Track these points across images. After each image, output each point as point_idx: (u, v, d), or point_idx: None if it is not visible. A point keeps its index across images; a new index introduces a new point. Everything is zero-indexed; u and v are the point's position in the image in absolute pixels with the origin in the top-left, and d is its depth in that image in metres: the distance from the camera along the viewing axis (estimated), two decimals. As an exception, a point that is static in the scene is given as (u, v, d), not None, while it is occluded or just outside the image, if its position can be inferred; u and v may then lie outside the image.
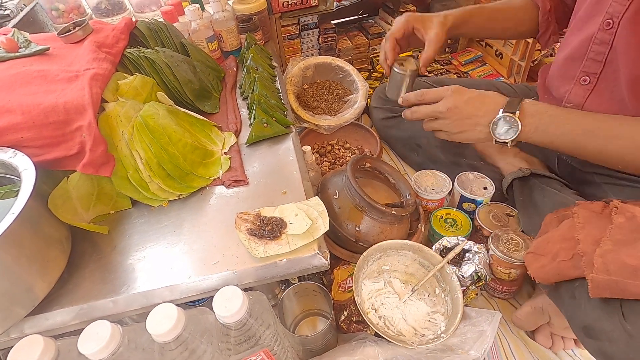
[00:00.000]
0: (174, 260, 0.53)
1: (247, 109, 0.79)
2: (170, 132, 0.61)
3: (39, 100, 0.54)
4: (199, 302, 0.63)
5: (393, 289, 0.63)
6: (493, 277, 0.66)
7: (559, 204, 0.61)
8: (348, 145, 1.01)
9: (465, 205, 0.77)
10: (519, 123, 0.57)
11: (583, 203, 0.52)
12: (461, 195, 0.76)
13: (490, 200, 0.76)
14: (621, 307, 0.43)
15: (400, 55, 0.74)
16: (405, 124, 0.85)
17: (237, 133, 0.74)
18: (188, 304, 0.63)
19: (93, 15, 1.00)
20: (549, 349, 0.63)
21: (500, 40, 1.26)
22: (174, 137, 0.61)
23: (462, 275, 0.62)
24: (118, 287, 0.51)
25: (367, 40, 1.29)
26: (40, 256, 0.47)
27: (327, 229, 0.53)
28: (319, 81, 1.07)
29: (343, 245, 0.68)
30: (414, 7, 1.27)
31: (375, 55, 1.32)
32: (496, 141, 0.60)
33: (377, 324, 0.58)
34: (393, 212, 0.65)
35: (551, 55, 1.24)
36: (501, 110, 0.58)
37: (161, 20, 0.85)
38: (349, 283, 0.65)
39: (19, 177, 0.47)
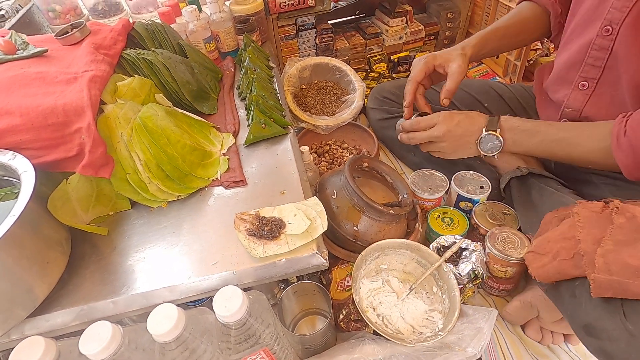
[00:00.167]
0: (173, 261, 0.54)
1: (245, 109, 0.79)
2: (169, 133, 0.61)
3: (38, 102, 0.54)
4: (199, 302, 0.63)
5: (391, 288, 0.64)
6: (490, 275, 0.67)
7: (557, 202, 0.61)
8: (346, 145, 1.02)
9: (462, 204, 0.78)
10: (501, 139, 0.65)
11: (583, 203, 0.52)
12: (458, 194, 0.77)
13: (487, 199, 0.76)
14: (622, 307, 0.43)
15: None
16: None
17: (236, 134, 0.74)
18: (188, 304, 0.63)
19: (90, 17, 1.00)
20: (539, 343, 0.64)
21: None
22: (172, 138, 0.62)
23: (459, 274, 0.62)
24: (118, 288, 0.51)
25: (364, 40, 1.29)
26: (40, 257, 0.47)
27: (326, 228, 0.54)
28: (316, 81, 1.07)
29: (341, 244, 0.69)
30: (410, 8, 1.28)
31: (372, 55, 1.33)
32: (484, 155, 0.68)
33: (376, 323, 0.59)
34: (391, 211, 0.65)
35: (546, 55, 1.25)
36: (484, 130, 0.66)
37: (158, 21, 0.85)
38: (348, 282, 0.66)
39: (19, 180, 0.48)
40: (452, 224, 0.74)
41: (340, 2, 1.27)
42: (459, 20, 1.36)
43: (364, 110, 1.04)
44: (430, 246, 0.67)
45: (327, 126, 0.95)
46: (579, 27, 0.63)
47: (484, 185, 0.77)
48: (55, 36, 0.70)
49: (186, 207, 0.61)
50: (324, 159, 0.97)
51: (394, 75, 1.29)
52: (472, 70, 1.32)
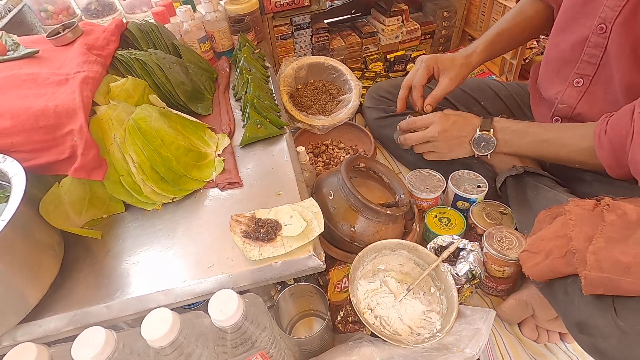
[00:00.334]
0: (168, 264, 0.53)
1: (241, 110, 0.78)
2: (163, 134, 0.61)
3: (29, 104, 0.53)
4: (195, 305, 0.62)
5: (389, 289, 0.64)
6: (487, 275, 0.66)
7: (552, 201, 0.62)
8: (342, 145, 1.01)
9: (459, 203, 0.77)
10: (494, 138, 0.67)
11: (575, 201, 0.53)
12: (455, 193, 0.76)
13: (484, 199, 0.76)
14: (614, 304, 0.43)
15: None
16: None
17: (231, 135, 0.73)
18: (185, 307, 0.62)
19: (83, 17, 0.99)
20: (535, 342, 0.64)
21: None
22: (166, 139, 0.61)
23: (457, 274, 0.62)
24: (112, 292, 0.50)
25: (360, 39, 1.29)
26: (32, 262, 0.47)
27: (322, 230, 0.53)
28: (312, 81, 1.07)
29: (338, 245, 0.68)
30: (406, 7, 1.28)
31: (368, 54, 1.32)
32: (477, 155, 0.70)
33: (373, 324, 0.58)
34: (388, 211, 0.65)
35: (542, 54, 1.25)
36: (478, 130, 0.68)
37: (152, 21, 0.84)
38: (345, 283, 0.65)
39: (9, 183, 0.47)
40: (449, 224, 0.74)
41: (335, 1, 1.27)
42: (455, 19, 1.36)
43: (360, 109, 1.04)
44: (428, 246, 0.67)
45: (323, 126, 0.94)
46: (571, 22, 0.63)
47: (481, 185, 0.76)
48: (46, 37, 0.69)
49: (181, 209, 0.60)
50: (320, 159, 0.97)
51: (390, 75, 1.29)
52: (469, 69, 1.32)
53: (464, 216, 0.75)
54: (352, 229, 0.66)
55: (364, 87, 1.07)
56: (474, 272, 0.62)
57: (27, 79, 0.58)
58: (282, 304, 0.62)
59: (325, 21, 1.27)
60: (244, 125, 0.73)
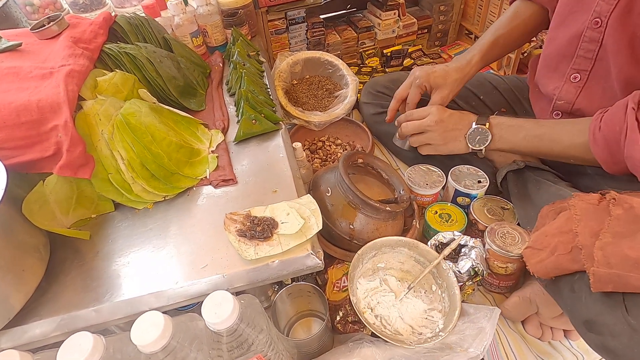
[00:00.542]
0: (160, 265, 0.51)
1: (235, 105, 0.76)
2: (154, 130, 0.58)
3: (10, 99, 0.50)
4: (189, 307, 0.60)
5: (389, 287, 0.62)
6: (490, 272, 0.65)
7: (554, 195, 0.61)
8: (339, 141, 1.00)
9: (459, 199, 0.76)
10: (489, 133, 0.66)
11: (579, 195, 0.51)
12: (455, 189, 0.75)
13: (485, 194, 0.75)
14: (624, 301, 0.42)
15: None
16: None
17: (225, 130, 0.71)
18: (179, 309, 0.60)
19: (70, 11, 0.96)
20: (539, 339, 0.63)
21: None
22: (157, 135, 0.59)
23: (459, 271, 0.61)
24: (101, 295, 0.48)
25: (356, 34, 1.27)
26: (14, 265, 0.44)
27: (320, 227, 0.52)
28: (308, 76, 1.05)
29: (337, 243, 0.67)
30: (402, 1, 1.26)
31: (364, 49, 1.30)
32: (472, 150, 0.68)
33: (374, 324, 0.57)
34: (387, 208, 0.63)
35: (540, 47, 1.24)
36: (474, 123, 0.67)
37: (142, 14, 0.81)
38: (344, 282, 0.64)
39: (-11, 182, 0.44)
40: (450, 220, 0.73)
41: (331, -5, 1.25)
42: (451, 13, 1.34)
43: (357, 105, 1.02)
44: (428, 243, 0.66)
45: (319, 122, 0.92)
46: (568, 17, 0.63)
47: (481, 180, 0.75)
48: (30, 29, 0.66)
49: (173, 208, 0.58)
50: (317, 156, 0.95)
51: (387, 70, 1.27)
52: (466, 63, 1.30)
53: (465, 212, 0.74)
54: (351, 226, 0.64)
55: (360, 82, 1.05)
56: (476, 269, 0.60)
57: (9, 72, 0.55)
58: (279, 304, 0.61)
59: (321, 16, 1.25)
60: (238, 121, 0.71)
